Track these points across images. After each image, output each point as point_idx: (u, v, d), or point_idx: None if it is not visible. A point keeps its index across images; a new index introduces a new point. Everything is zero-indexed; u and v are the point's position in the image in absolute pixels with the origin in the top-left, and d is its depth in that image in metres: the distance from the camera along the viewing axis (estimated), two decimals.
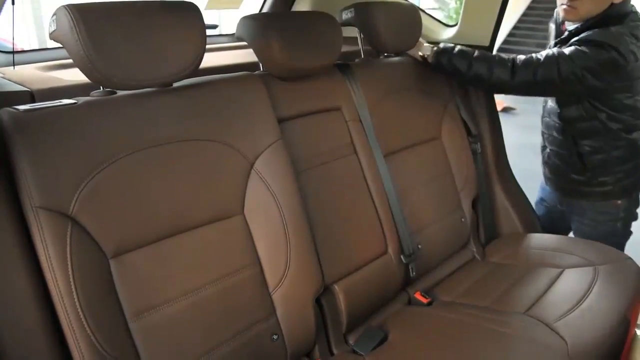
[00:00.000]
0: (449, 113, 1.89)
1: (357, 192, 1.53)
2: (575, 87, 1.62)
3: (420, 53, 1.79)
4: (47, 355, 0.95)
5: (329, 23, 1.51)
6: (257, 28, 1.41)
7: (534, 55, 1.64)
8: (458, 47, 1.72)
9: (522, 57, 1.64)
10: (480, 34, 2.00)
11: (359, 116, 1.58)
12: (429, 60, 1.75)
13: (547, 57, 1.61)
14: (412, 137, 1.77)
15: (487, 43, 2.00)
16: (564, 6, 1.67)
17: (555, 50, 1.63)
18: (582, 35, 1.63)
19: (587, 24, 1.65)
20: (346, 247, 1.45)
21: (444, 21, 2.29)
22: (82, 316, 0.94)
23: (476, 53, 1.69)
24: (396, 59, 1.83)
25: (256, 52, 1.43)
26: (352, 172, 1.53)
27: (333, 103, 1.54)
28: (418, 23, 1.81)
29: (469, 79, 1.72)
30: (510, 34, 10.67)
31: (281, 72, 1.41)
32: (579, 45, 1.59)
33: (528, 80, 1.61)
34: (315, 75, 1.51)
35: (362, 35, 1.75)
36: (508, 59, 1.65)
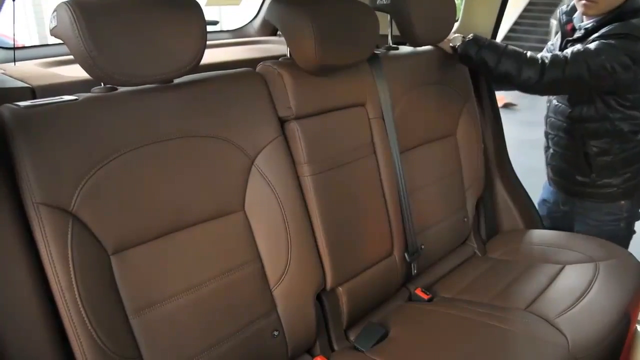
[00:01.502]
0: (467, 109, 1.85)
1: (372, 194, 1.50)
2: (605, 82, 1.59)
3: (450, 44, 1.73)
4: (48, 350, 0.95)
5: (367, 14, 1.42)
6: (290, 15, 1.32)
7: (559, 53, 1.60)
8: (489, 40, 1.67)
9: (548, 55, 1.61)
10: (481, 29, 1.99)
11: (382, 113, 1.53)
12: (458, 50, 1.70)
13: (573, 54, 1.57)
14: (429, 133, 1.73)
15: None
16: (584, 1, 1.65)
17: (579, 46, 1.60)
18: (603, 30, 1.61)
19: (603, 20, 1.64)
20: (355, 250, 1.44)
21: None
22: (83, 312, 0.94)
23: (507, 48, 1.64)
24: (423, 49, 1.76)
25: (287, 40, 1.36)
26: (369, 173, 1.49)
27: (358, 99, 1.48)
28: (453, 15, 1.74)
29: (496, 75, 1.67)
30: (511, 30, 10.65)
31: (311, 67, 1.33)
32: (604, 40, 1.57)
33: (557, 78, 1.57)
34: (343, 69, 1.43)
35: (392, 23, 1.68)
36: (537, 57, 1.60)
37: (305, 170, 1.32)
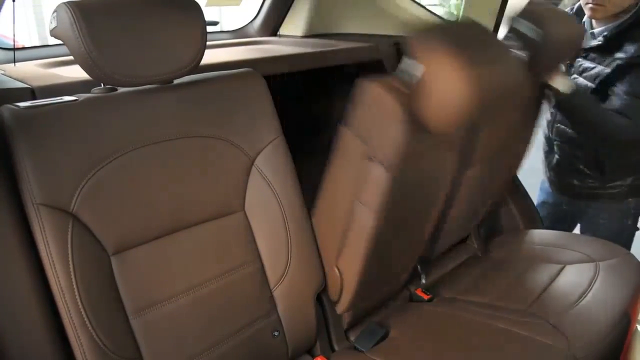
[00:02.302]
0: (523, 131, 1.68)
1: (426, 209, 1.40)
2: None
3: (555, 86, 1.56)
4: (48, 350, 0.95)
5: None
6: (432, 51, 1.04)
7: (618, 115, 1.56)
8: (587, 93, 1.63)
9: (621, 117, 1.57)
10: None
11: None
12: (561, 96, 1.60)
13: (632, 110, 1.55)
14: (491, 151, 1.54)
15: None
16: (590, 5, 1.61)
17: (629, 99, 1.55)
18: (631, 52, 1.56)
19: (621, 27, 1.60)
20: (381, 268, 1.39)
21: (444, 17, 2.28)
22: (83, 313, 0.94)
23: (602, 109, 1.59)
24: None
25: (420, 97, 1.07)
26: (436, 190, 1.38)
27: None
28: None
29: (581, 126, 1.69)
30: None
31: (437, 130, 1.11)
32: None
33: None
34: None
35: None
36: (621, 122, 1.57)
37: (382, 170, 1.14)
